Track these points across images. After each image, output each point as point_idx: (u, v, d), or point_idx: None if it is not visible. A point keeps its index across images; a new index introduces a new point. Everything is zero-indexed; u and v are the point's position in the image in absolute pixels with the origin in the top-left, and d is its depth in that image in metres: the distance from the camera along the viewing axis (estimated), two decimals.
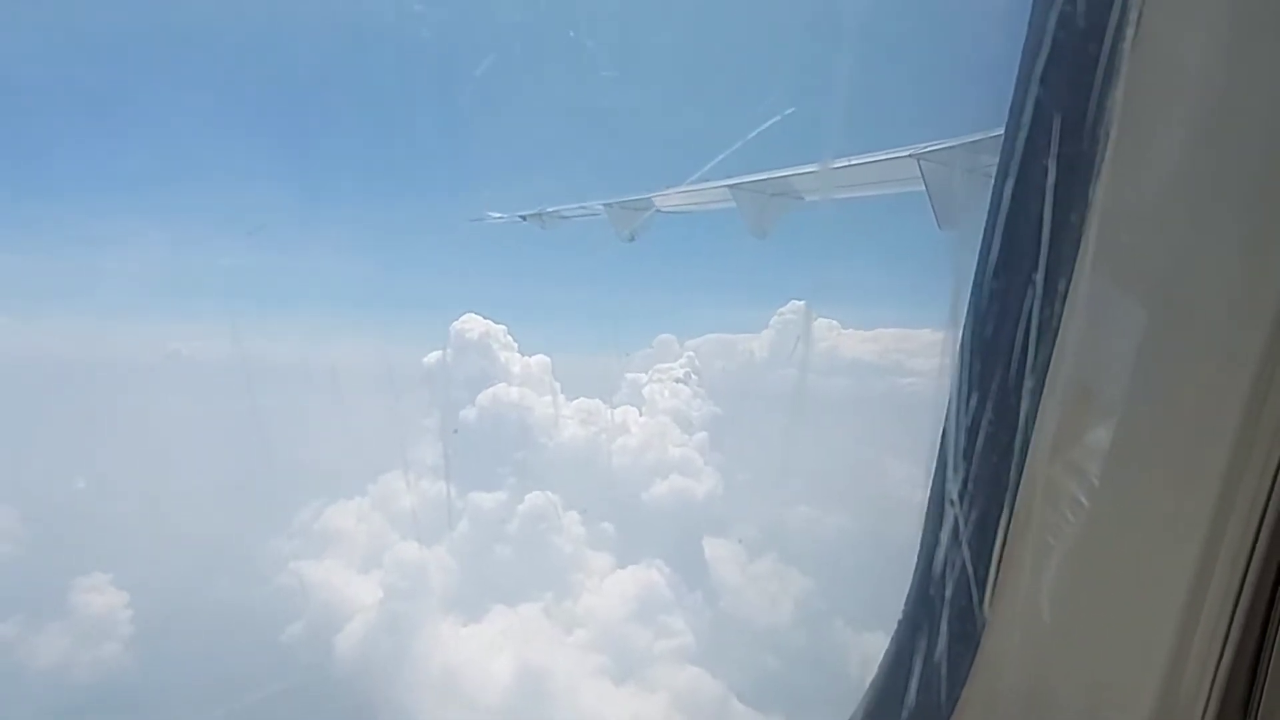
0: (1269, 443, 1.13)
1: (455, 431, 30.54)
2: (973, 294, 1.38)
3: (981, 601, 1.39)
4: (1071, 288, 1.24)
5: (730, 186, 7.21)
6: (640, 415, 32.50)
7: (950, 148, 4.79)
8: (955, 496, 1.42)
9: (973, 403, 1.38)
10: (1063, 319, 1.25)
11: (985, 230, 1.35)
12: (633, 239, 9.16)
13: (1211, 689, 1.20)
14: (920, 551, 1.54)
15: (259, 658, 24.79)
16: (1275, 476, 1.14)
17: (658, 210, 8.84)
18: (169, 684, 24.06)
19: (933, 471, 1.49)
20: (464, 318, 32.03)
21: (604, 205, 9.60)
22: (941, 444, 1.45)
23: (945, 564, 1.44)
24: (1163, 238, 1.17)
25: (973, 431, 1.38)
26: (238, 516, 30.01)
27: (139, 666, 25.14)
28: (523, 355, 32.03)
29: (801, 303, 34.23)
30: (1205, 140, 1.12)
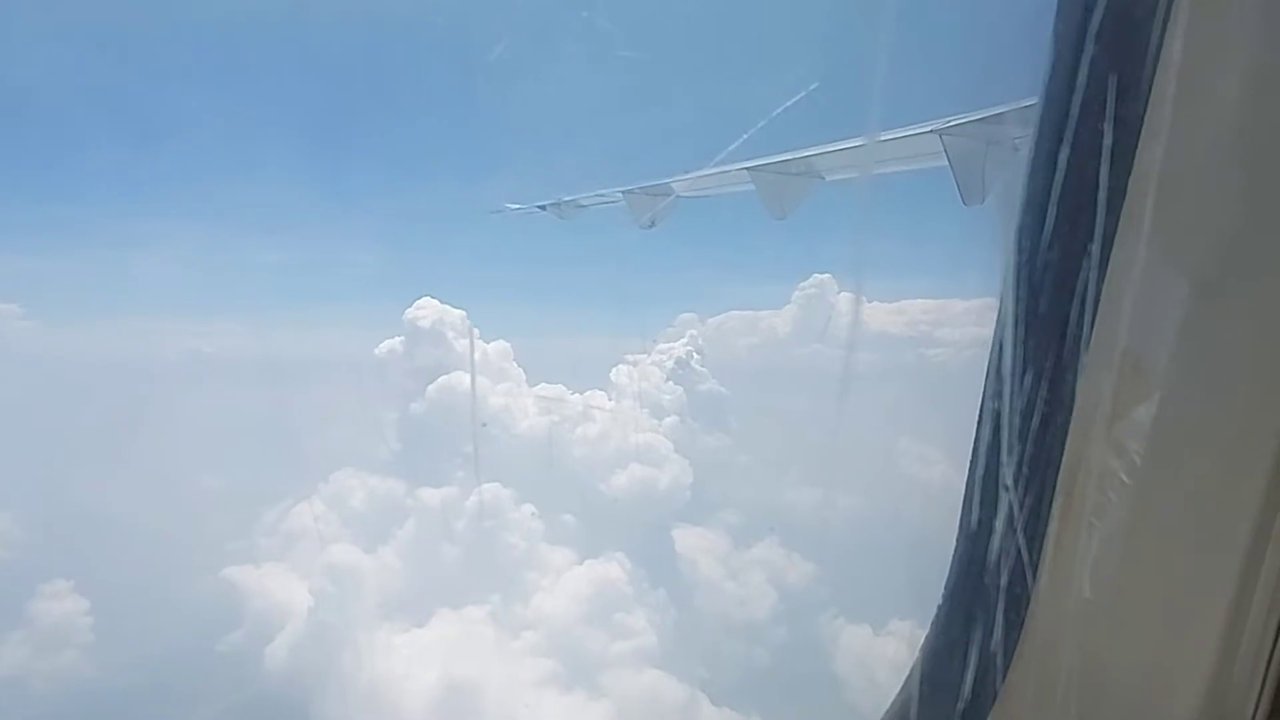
0: None
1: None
2: (1022, 267, 1.33)
3: (1031, 584, 1.36)
4: (1120, 259, 1.20)
5: (749, 169, 7.06)
6: (610, 400, 30.66)
7: (973, 121, 4.62)
8: (1010, 481, 1.37)
9: (1027, 382, 1.33)
10: (1111, 292, 1.22)
11: (1033, 199, 1.30)
12: (652, 225, 8.93)
13: (1268, 670, 1.17)
14: (962, 534, 1.50)
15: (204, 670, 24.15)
16: None
17: (678, 196, 8.69)
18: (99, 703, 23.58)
19: (973, 452, 1.45)
20: (419, 303, 30.56)
21: (622, 192, 9.36)
22: (992, 424, 1.41)
23: (1000, 550, 1.40)
24: (1214, 207, 1.12)
25: (1027, 413, 1.34)
26: (208, 519, 29.48)
27: (93, 677, 24.75)
28: (483, 341, 30.42)
29: (826, 275, 33.40)
30: (1259, 105, 1.07)
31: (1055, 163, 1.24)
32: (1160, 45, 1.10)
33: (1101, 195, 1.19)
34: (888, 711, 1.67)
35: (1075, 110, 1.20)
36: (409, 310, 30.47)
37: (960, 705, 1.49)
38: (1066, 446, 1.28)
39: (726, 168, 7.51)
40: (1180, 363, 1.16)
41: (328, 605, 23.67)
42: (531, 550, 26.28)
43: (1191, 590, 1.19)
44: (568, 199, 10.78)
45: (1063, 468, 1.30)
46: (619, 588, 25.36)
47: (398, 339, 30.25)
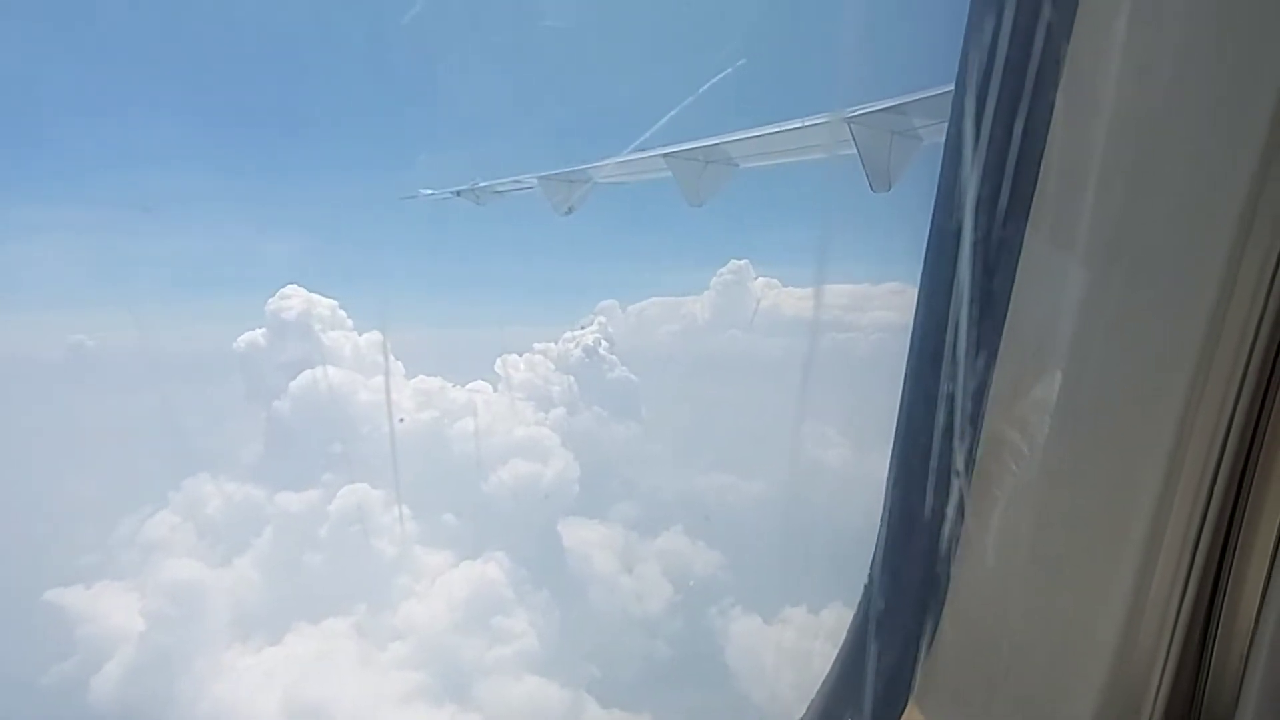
0: (1220, 395, 1.13)
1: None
2: (936, 252, 1.37)
3: (953, 563, 1.41)
4: (1031, 245, 1.24)
5: (665, 156, 7.04)
6: (495, 392, 29.07)
7: (879, 111, 4.69)
8: (933, 464, 1.41)
9: (944, 367, 1.37)
10: (1022, 277, 1.26)
11: (941, 190, 1.35)
12: (570, 211, 8.84)
13: (1173, 634, 1.21)
14: (886, 516, 1.53)
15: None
16: (1228, 429, 1.15)
17: (595, 182, 8.66)
18: None
19: (895, 436, 1.49)
20: (282, 292, 28.23)
21: (538, 179, 9.22)
22: (914, 410, 1.45)
23: (924, 530, 1.44)
24: (1111, 196, 1.17)
25: (948, 397, 1.37)
26: (51, 533, 26.61)
27: None
28: (355, 333, 28.32)
29: (744, 261, 33.62)
30: (1151, 99, 1.12)
31: (971, 152, 1.25)
32: (1069, 38, 1.14)
33: (1012, 182, 1.22)
34: (818, 691, 1.71)
35: (990, 100, 1.22)
36: (272, 300, 28.13)
37: (885, 681, 1.53)
38: (983, 429, 1.32)
39: (643, 154, 7.51)
40: (1084, 343, 1.20)
41: (166, 627, 21.42)
42: (404, 555, 24.56)
43: (1098, 560, 1.23)
44: (484, 184, 10.50)
45: (981, 450, 1.33)
46: (498, 590, 23.93)
47: (259, 331, 27.93)
